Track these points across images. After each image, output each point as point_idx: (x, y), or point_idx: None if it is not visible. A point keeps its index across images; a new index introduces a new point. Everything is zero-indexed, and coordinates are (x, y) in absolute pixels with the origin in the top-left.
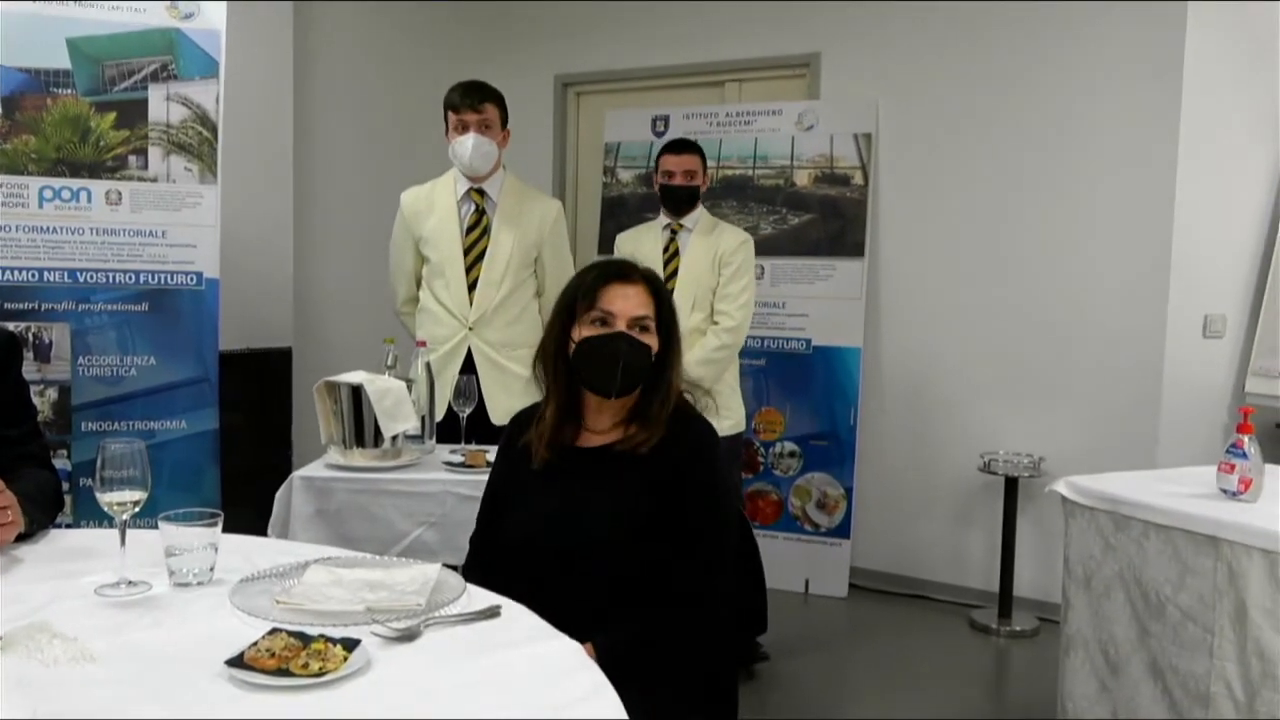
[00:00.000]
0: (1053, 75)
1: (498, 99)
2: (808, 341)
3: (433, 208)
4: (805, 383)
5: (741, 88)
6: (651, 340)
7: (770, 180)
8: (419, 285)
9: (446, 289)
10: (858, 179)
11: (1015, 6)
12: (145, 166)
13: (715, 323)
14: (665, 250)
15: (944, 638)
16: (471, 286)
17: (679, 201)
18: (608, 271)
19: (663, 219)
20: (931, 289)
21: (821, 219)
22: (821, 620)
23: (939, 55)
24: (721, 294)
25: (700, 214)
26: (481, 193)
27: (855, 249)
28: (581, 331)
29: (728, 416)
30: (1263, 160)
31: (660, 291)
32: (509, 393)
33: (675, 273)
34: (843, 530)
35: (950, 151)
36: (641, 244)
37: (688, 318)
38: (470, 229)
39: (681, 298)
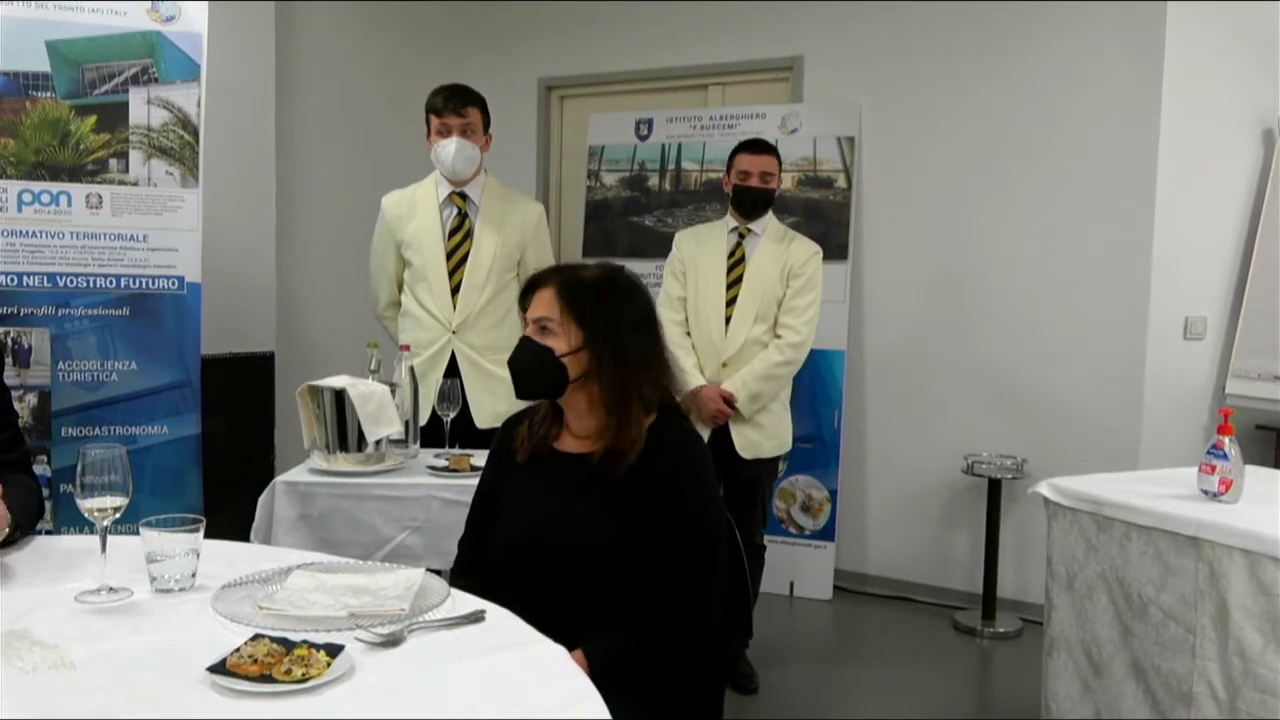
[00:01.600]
0: (1034, 79)
1: (480, 103)
2: None
3: (414, 211)
4: (794, 386)
5: (725, 91)
6: (556, 341)
7: None
8: (401, 289)
9: (429, 293)
10: (841, 182)
11: (996, 12)
12: (126, 170)
13: (779, 336)
14: (730, 255)
15: (928, 639)
16: (455, 290)
17: (754, 204)
18: (532, 281)
19: (729, 221)
20: (914, 292)
21: (805, 222)
22: (806, 623)
23: (921, 59)
24: (788, 306)
25: (770, 220)
26: (464, 196)
27: (839, 252)
28: None
29: (774, 436)
30: (1242, 164)
31: (567, 290)
32: (493, 396)
33: (739, 280)
34: (827, 533)
35: (933, 155)
36: (704, 246)
37: (749, 329)
38: (453, 232)
39: (743, 307)
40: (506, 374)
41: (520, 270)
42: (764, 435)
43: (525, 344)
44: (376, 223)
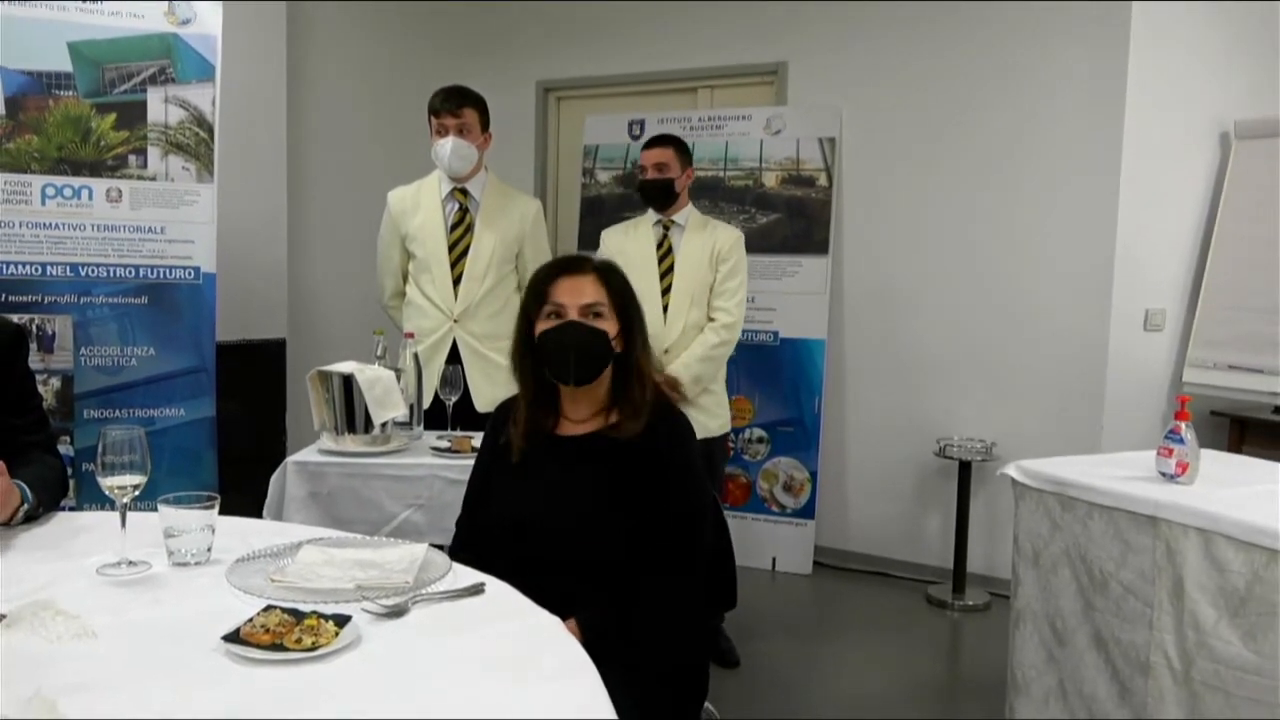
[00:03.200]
0: (1005, 85)
1: (478, 103)
2: (775, 334)
3: (418, 206)
4: (773, 373)
5: (713, 94)
6: (607, 325)
7: (740, 181)
8: (405, 280)
9: (432, 284)
10: (822, 181)
11: (968, 21)
12: (144, 165)
13: (712, 319)
14: (659, 247)
15: (902, 612)
16: (456, 281)
17: (653, 195)
18: (556, 267)
19: (653, 215)
20: (891, 285)
21: (788, 218)
22: (788, 596)
23: (899, 65)
24: (719, 290)
25: (690, 211)
26: (465, 192)
27: (820, 247)
28: (540, 327)
29: (718, 416)
30: (1200, 166)
31: (612, 280)
32: (492, 382)
33: (670, 269)
34: (808, 511)
35: (909, 155)
36: (631, 240)
37: (685, 315)
38: (454, 226)
39: (678, 295)
40: (504, 360)
41: (519, 263)
42: (708, 416)
43: (581, 328)
44: (383, 217)
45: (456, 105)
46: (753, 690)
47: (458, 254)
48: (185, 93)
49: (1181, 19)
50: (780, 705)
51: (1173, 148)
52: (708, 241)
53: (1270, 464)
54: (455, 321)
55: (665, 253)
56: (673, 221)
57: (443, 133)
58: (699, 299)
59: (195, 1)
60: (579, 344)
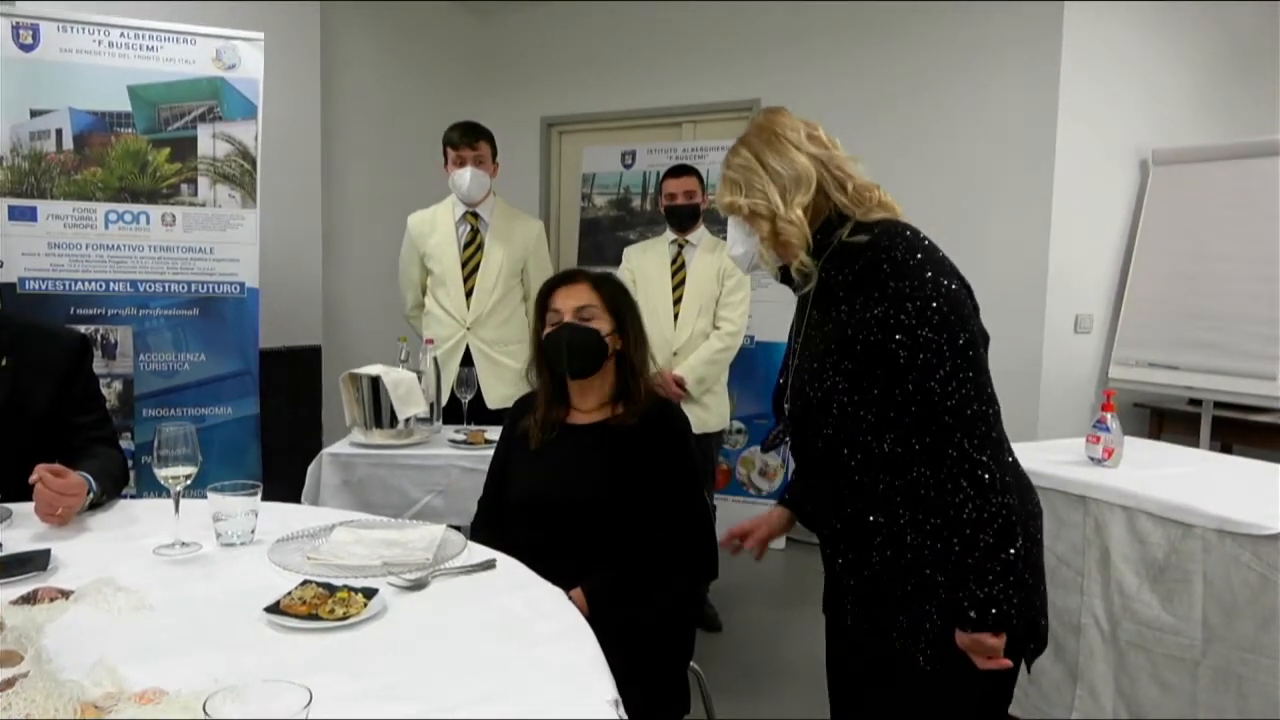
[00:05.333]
0: (950, 118)
1: (489, 137)
2: (752, 338)
3: (434, 228)
4: (750, 372)
5: (696, 127)
6: (600, 324)
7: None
8: (424, 293)
9: (448, 296)
10: None
11: (917, 61)
12: (195, 194)
13: (718, 327)
14: (673, 263)
15: None
16: (469, 293)
17: (683, 219)
18: (555, 280)
19: (669, 235)
20: None
21: None
22: (765, 569)
23: (855, 100)
24: (724, 302)
25: (703, 232)
26: (476, 215)
27: None
28: (545, 332)
29: (717, 413)
30: (1122, 187)
31: (604, 286)
32: (503, 381)
33: (682, 283)
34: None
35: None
36: (649, 256)
37: (694, 323)
38: (466, 245)
39: (688, 305)
40: (513, 363)
41: (524, 277)
42: (709, 413)
43: (574, 328)
44: (404, 238)
45: (473, 140)
46: (734, 652)
47: (470, 269)
48: (231, 129)
49: (1107, 59)
50: (758, 664)
51: (1098, 173)
52: (716, 260)
53: (1185, 449)
54: (468, 329)
55: (678, 268)
56: (687, 241)
57: (460, 164)
58: (706, 309)
59: (240, 43)
60: (571, 340)
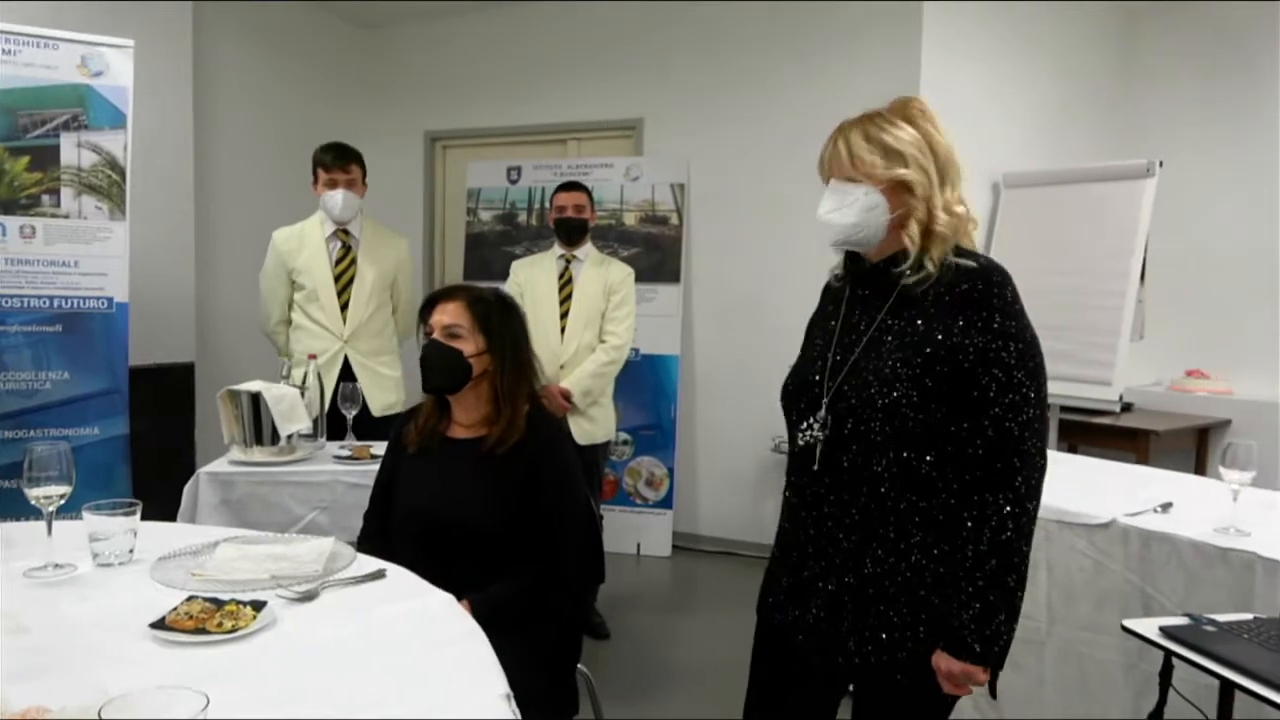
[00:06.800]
0: (823, 133)
1: (359, 159)
2: (637, 351)
3: (304, 245)
4: (635, 385)
5: (580, 145)
6: (464, 345)
7: (604, 220)
8: (290, 308)
9: (321, 310)
10: (674, 220)
11: (792, 80)
12: (58, 204)
13: (603, 341)
14: (560, 277)
15: (749, 586)
16: (344, 307)
17: (571, 232)
18: (433, 296)
19: (557, 249)
20: (734, 307)
21: (646, 252)
22: (651, 576)
23: (736, 121)
24: (610, 317)
25: (590, 248)
26: (347, 232)
27: (673, 276)
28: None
29: (603, 426)
30: (979, 202)
31: (477, 307)
32: (383, 390)
33: (569, 296)
34: (667, 502)
35: (746, 196)
36: (538, 270)
37: (580, 336)
38: (339, 261)
39: (574, 319)
40: (391, 372)
41: (394, 291)
42: (595, 425)
43: (436, 346)
44: (268, 253)
45: (345, 162)
46: (622, 657)
47: (343, 284)
48: (98, 138)
49: (962, 91)
50: (646, 668)
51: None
52: (602, 275)
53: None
54: (345, 341)
55: (566, 282)
56: (574, 256)
57: (332, 185)
58: (592, 323)
59: (107, 49)
60: (429, 358)
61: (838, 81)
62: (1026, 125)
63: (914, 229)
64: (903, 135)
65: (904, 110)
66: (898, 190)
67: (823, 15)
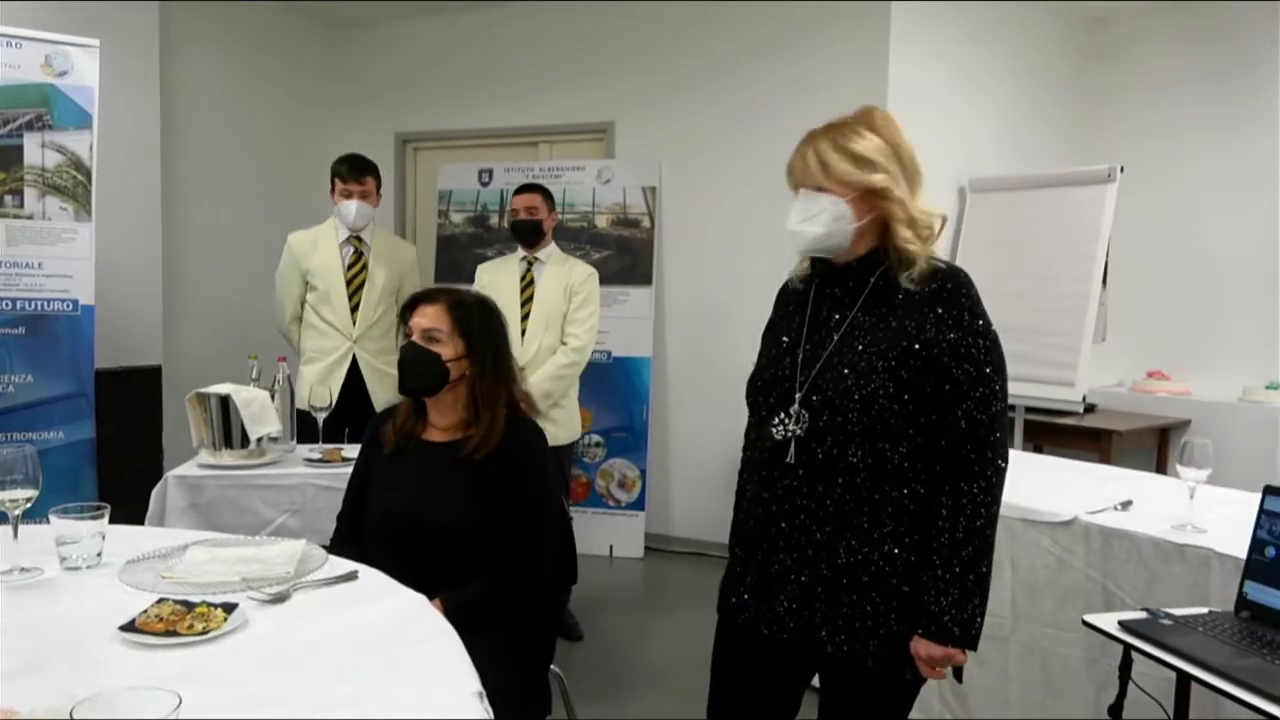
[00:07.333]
0: (791, 135)
1: (375, 171)
2: (609, 353)
3: (317, 248)
4: (608, 386)
5: (552, 147)
6: (443, 349)
7: (576, 223)
8: (303, 307)
9: (332, 312)
10: (646, 223)
11: (760, 83)
12: (21, 205)
13: (565, 343)
14: (522, 279)
15: (719, 585)
16: (354, 309)
17: (524, 234)
18: (416, 296)
19: (521, 252)
20: (705, 309)
21: (618, 254)
22: (623, 578)
23: (707, 125)
24: (571, 318)
25: (553, 249)
26: (359, 238)
27: (645, 279)
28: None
29: (566, 428)
30: (945, 207)
31: (457, 311)
32: (387, 388)
33: (531, 298)
34: (639, 504)
35: (717, 198)
36: (501, 273)
37: (540, 338)
38: (351, 265)
39: (535, 321)
40: (394, 371)
41: (399, 296)
42: (558, 427)
43: (414, 349)
44: (283, 254)
45: (360, 175)
46: (595, 658)
47: (355, 287)
48: (62, 139)
49: (929, 98)
50: (618, 669)
51: (924, 198)
52: (564, 276)
53: None
54: (354, 342)
55: (528, 284)
56: (536, 258)
57: (347, 196)
58: (553, 325)
59: (72, 49)
60: (407, 361)
61: (808, 83)
62: (994, 127)
63: (904, 231)
64: (870, 143)
65: (868, 119)
66: (867, 197)
67: (792, 15)
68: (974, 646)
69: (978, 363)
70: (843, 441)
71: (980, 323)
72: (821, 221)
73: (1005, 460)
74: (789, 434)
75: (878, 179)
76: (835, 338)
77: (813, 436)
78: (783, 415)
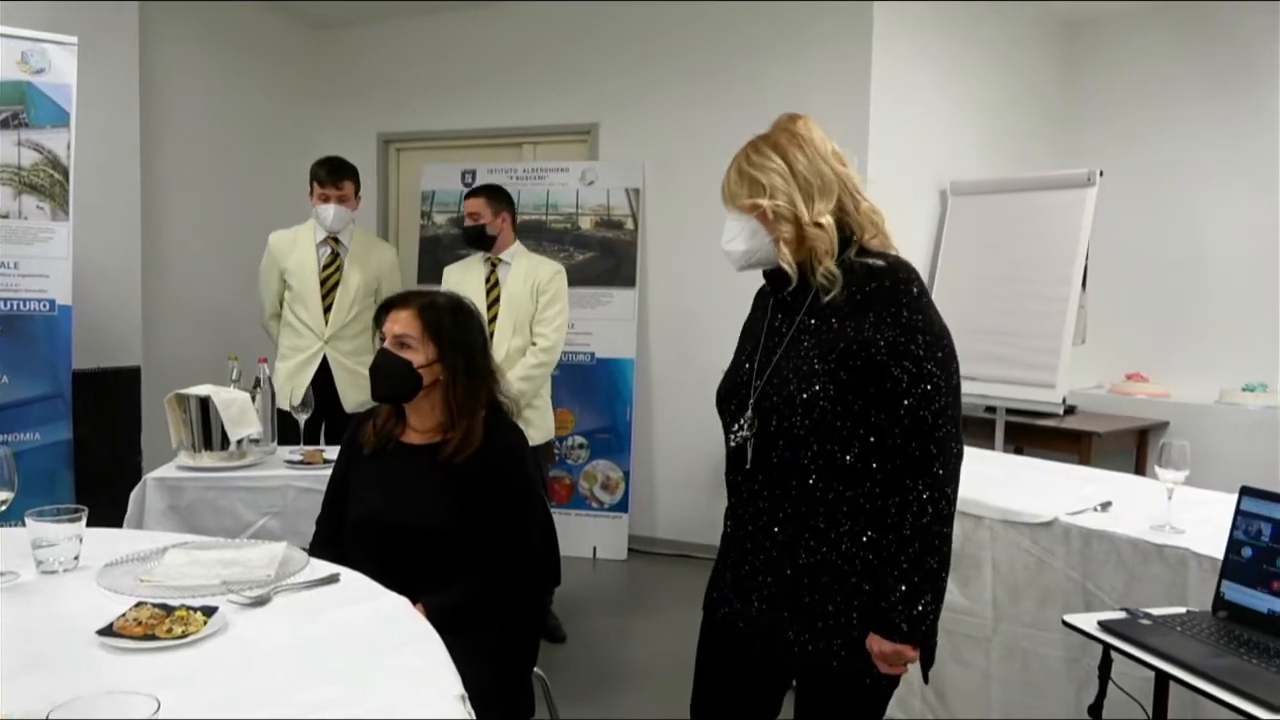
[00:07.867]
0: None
1: (354, 175)
2: (592, 354)
3: (295, 248)
4: (591, 388)
5: (536, 149)
6: (414, 355)
7: (559, 225)
8: (282, 305)
9: (306, 311)
10: (629, 225)
11: (744, 84)
12: None
13: (534, 343)
14: (487, 281)
15: (703, 587)
16: (327, 309)
17: (470, 240)
18: (389, 301)
19: (484, 254)
20: (688, 311)
21: (601, 256)
22: (607, 580)
23: (691, 126)
24: (539, 319)
25: (517, 248)
26: (337, 240)
27: (628, 280)
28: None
29: (540, 428)
30: (926, 214)
31: (428, 315)
32: (358, 389)
33: (497, 300)
34: (622, 506)
35: (700, 200)
36: (466, 275)
37: (509, 341)
38: (326, 266)
39: (502, 323)
40: (366, 372)
41: (377, 297)
42: (531, 428)
43: (385, 355)
44: (264, 253)
45: (338, 179)
46: (578, 660)
47: (329, 288)
48: (39, 137)
49: (911, 101)
50: (601, 671)
51: (905, 201)
52: (530, 276)
53: (982, 451)
54: (326, 341)
55: (492, 286)
56: (499, 259)
57: (325, 200)
58: (521, 327)
59: (50, 46)
60: (378, 368)
61: (791, 84)
62: (976, 129)
63: (785, 251)
64: (768, 164)
65: (772, 137)
66: (764, 216)
67: (775, 17)
68: (923, 642)
69: (917, 359)
70: (794, 445)
71: (920, 318)
72: (742, 239)
73: (956, 457)
74: (744, 439)
75: (765, 203)
76: (784, 343)
77: (765, 441)
78: (740, 421)
